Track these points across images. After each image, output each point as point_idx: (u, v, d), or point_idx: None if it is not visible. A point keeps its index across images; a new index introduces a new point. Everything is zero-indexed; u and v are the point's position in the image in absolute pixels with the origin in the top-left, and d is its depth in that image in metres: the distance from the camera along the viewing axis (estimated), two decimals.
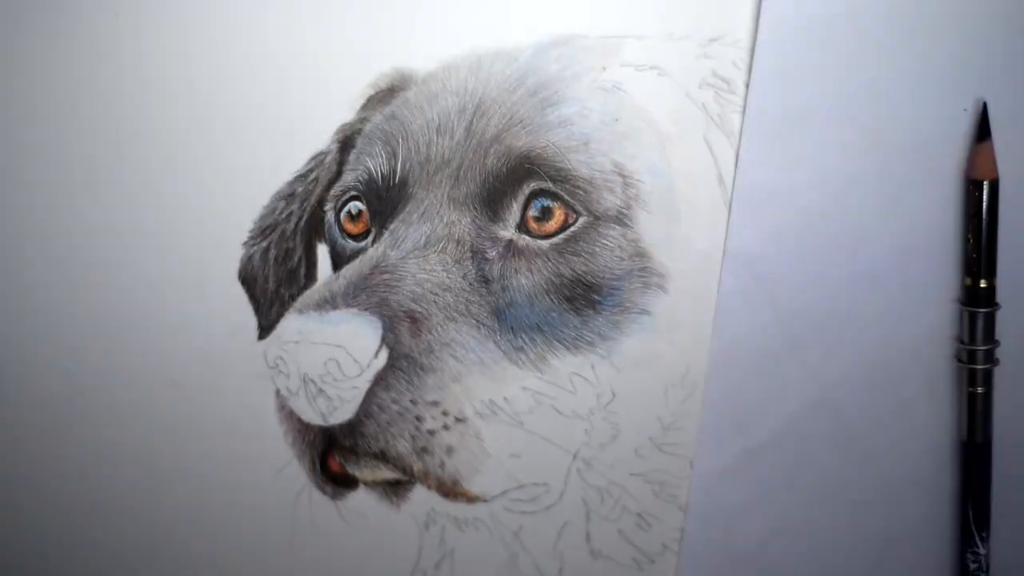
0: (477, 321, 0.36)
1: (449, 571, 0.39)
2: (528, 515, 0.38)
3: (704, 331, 0.37)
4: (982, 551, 0.36)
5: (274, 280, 0.40)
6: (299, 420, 0.37)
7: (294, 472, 0.39)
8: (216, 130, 0.39)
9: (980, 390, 0.35)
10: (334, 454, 0.37)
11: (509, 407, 0.36)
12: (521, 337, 0.36)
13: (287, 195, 0.40)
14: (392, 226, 0.37)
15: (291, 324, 0.37)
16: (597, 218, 0.36)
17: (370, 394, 0.35)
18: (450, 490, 0.37)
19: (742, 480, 0.37)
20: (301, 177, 0.40)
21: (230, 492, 0.41)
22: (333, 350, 0.35)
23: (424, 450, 0.36)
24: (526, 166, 0.36)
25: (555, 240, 0.36)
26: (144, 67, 0.40)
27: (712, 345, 0.37)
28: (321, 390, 0.36)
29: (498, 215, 0.36)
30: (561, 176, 0.36)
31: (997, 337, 0.35)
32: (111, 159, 0.40)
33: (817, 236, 0.36)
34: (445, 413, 0.36)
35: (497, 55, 0.38)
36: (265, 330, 0.40)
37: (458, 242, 0.36)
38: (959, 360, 0.36)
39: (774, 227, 0.36)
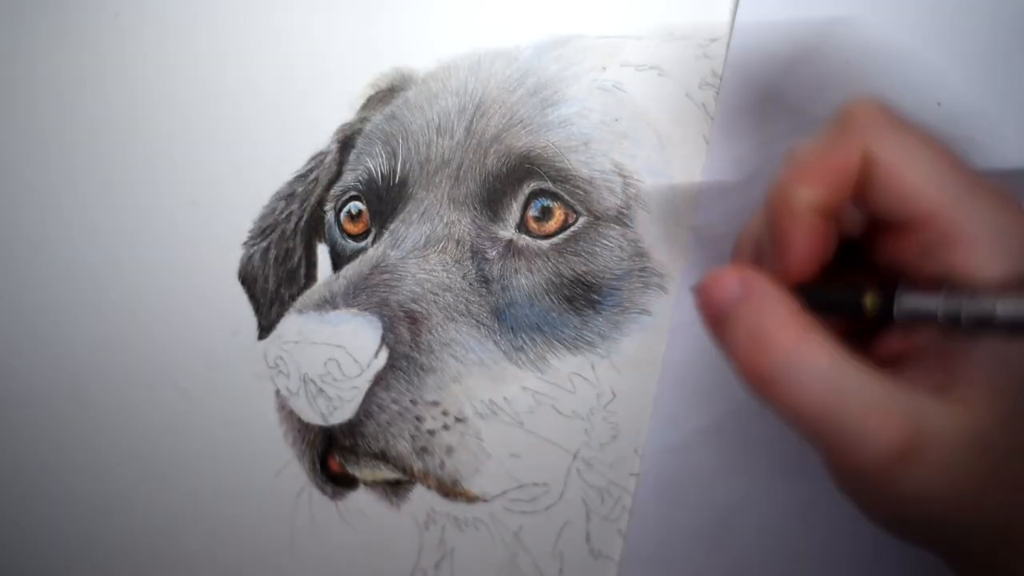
0: (477, 321, 0.36)
1: (449, 571, 0.39)
2: (528, 515, 0.38)
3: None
4: None
5: (274, 280, 0.40)
6: (299, 420, 0.37)
7: (294, 472, 0.39)
8: (216, 130, 0.40)
9: None
10: (334, 454, 0.37)
11: (509, 407, 0.36)
12: (521, 337, 0.36)
13: (287, 195, 0.40)
14: (392, 226, 0.37)
15: (291, 324, 0.37)
16: (597, 218, 0.36)
17: (370, 394, 0.35)
18: (450, 490, 0.37)
19: (694, 457, 0.37)
20: (301, 177, 0.40)
21: (230, 492, 0.41)
22: (333, 350, 0.35)
23: (424, 450, 0.36)
24: (526, 166, 0.36)
25: (555, 240, 0.36)
26: (144, 68, 0.40)
27: (672, 320, 0.36)
28: (321, 390, 0.36)
29: (498, 215, 0.36)
30: (561, 176, 0.36)
31: None
32: (111, 159, 0.40)
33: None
34: (445, 413, 0.36)
35: (497, 55, 0.38)
36: (265, 330, 0.40)
37: (458, 242, 0.36)
38: None
39: (739, 209, 0.36)
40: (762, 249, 0.26)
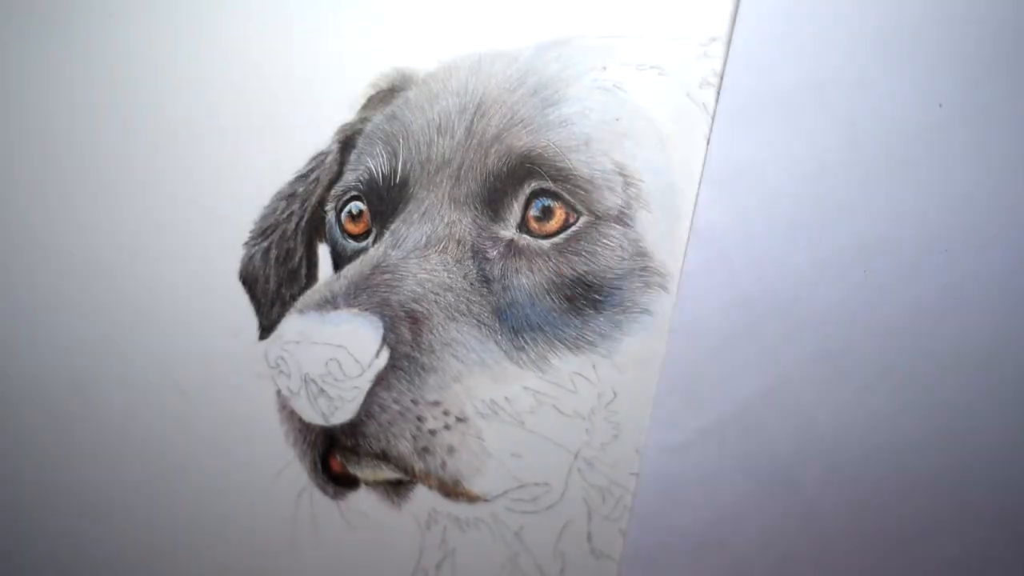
0: (478, 321, 0.36)
1: (450, 571, 0.39)
2: (529, 515, 0.38)
3: None
4: None
5: (275, 280, 0.40)
6: (300, 420, 0.37)
7: (295, 472, 0.39)
8: (217, 131, 0.40)
9: None
10: (335, 454, 0.37)
11: (510, 407, 0.36)
12: (522, 337, 0.36)
13: (288, 195, 0.40)
14: (393, 226, 0.37)
15: (292, 324, 0.37)
16: (598, 217, 0.36)
17: (371, 394, 0.35)
18: (451, 490, 0.37)
19: (694, 457, 0.37)
20: (302, 177, 0.40)
21: (232, 492, 0.41)
22: (334, 350, 0.35)
23: (425, 450, 0.36)
24: (527, 166, 0.36)
25: (556, 240, 0.36)
26: (145, 68, 0.40)
27: (673, 320, 0.37)
28: (322, 390, 0.36)
29: (499, 215, 0.36)
30: (562, 175, 0.36)
31: None
32: (112, 160, 0.40)
33: (784, 218, 0.36)
34: (446, 413, 0.36)
35: (497, 55, 0.38)
36: (266, 330, 0.40)
37: (459, 242, 0.36)
38: None
39: (742, 206, 0.36)
40: None
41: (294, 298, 0.40)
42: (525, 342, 0.36)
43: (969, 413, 0.36)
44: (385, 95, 0.39)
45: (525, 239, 0.36)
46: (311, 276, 0.40)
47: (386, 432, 0.35)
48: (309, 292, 0.39)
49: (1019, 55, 0.35)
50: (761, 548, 0.37)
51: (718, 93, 0.36)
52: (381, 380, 0.35)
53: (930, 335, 0.35)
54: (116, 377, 0.41)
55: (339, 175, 0.40)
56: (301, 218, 0.40)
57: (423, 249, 0.36)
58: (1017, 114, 0.35)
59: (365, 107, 0.39)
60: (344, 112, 0.39)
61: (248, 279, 0.40)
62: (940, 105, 0.35)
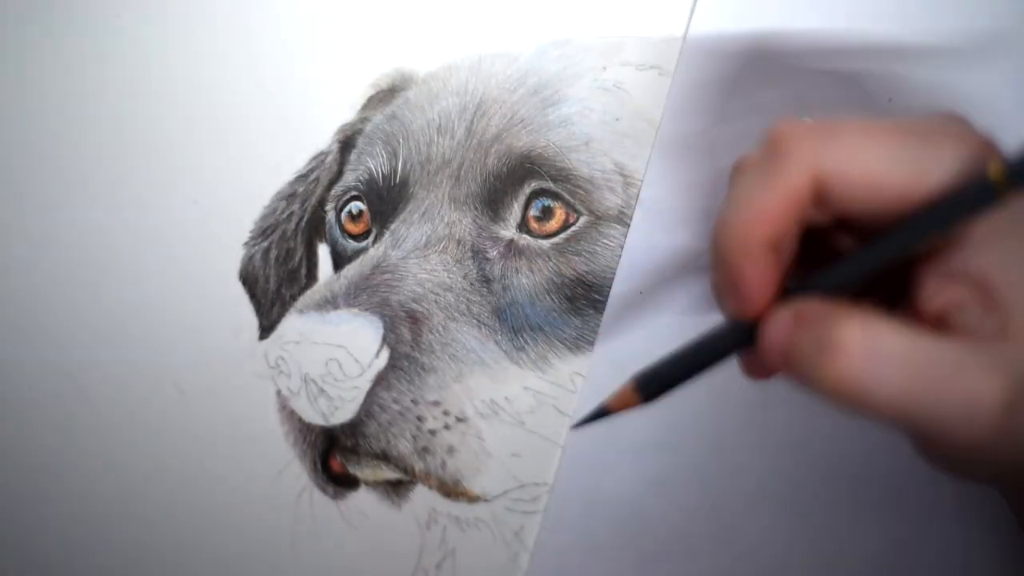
0: (478, 321, 0.36)
1: (451, 571, 0.39)
2: (530, 515, 0.38)
3: None
4: None
5: (275, 280, 0.40)
6: (300, 420, 0.37)
7: (295, 472, 0.39)
8: (217, 130, 0.40)
9: None
10: (335, 454, 0.37)
11: (510, 407, 0.36)
12: (522, 337, 0.36)
13: (288, 195, 0.40)
14: (393, 226, 0.37)
15: (292, 324, 0.37)
16: (598, 217, 0.36)
17: (371, 394, 0.35)
18: (451, 490, 0.37)
19: (619, 432, 0.36)
20: (302, 177, 0.40)
21: (231, 492, 0.41)
22: (334, 350, 0.35)
23: (425, 450, 0.36)
24: (527, 166, 0.36)
25: (556, 240, 0.36)
26: (145, 67, 0.40)
27: (612, 292, 0.36)
28: (322, 390, 0.36)
29: (499, 215, 0.36)
30: (562, 175, 0.36)
31: None
32: (111, 159, 0.40)
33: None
34: (446, 413, 0.36)
35: (498, 55, 0.38)
36: (266, 330, 0.40)
37: (459, 242, 0.36)
38: None
39: (689, 181, 0.36)
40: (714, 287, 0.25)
41: (294, 298, 0.40)
42: (525, 342, 0.36)
43: None
44: (385, 95, 0.39)
45: (525, 239, 0.36)
46: (311, 276, 0.40)
47: (386, 432, 0.36)
48: (309, 292, 0.39)
49: (969, 56, 0.35)
50: (681, 519, 0.36)
51: (675, 67, 0.36)
52: (381, 380, 0.35)
53: None
54: (115, 377, 0.41)
55: (339, 175, 0.40)
56: (301, 218, 0.40)
57: (423, 249, 0.36)
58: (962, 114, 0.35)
59: (365, 107, 0.39)
60: (344, 112, 0.39)
61: (248, 279, 0.40)
62: (890, 100, 0.35)
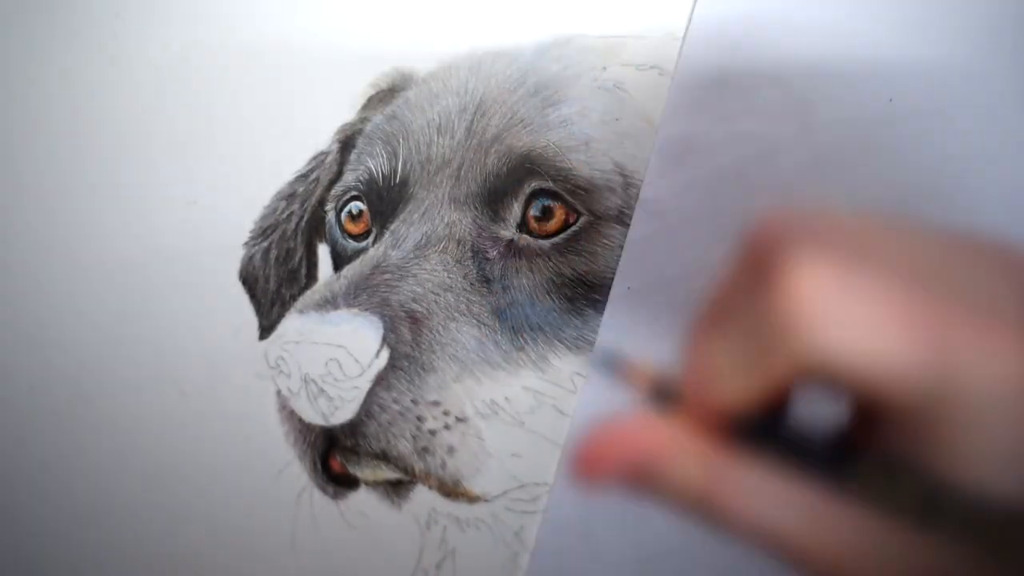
0: (478, 321, 0.36)
1: (451, 571, 0.39)
2: (529, 515, 0.38)
3: None
4: None
5: (275, 280, 0.40)
6: (300, 420, 0.37)
7: (295, 472, 0.39)
8: (217, 130, 0.39)
9: None
10: (335, 454, 0.37)
11: (510, 407, 0.36)
12: (522, 337, 0.36)
13: (288, 195, 0.40)
14: (393, 226, 0.37)
15: (292, 324, 0.37)
16: (598, 217, 0.36)
17: (371, 394, 0.35)
18: (451, 490, 0.37)
19: None
20: (302, 177, 0.40)
21: (231, 492, 0.41)
22: (334, 350, 0.35)
23: (425, 450, 0.36)
24: (527, 166, 0.36)
25: (556, 240, 0.36)
26: (145, 67, 0.40)
27: (612, 292, 0.36)
28: (322, 390, 0.36)
29: (499, 215, 0.36)
30: (562, 175, 0.36)
31: None
32: (112, 159, 0.40)
33: (729, 197, 0.36)
34: (446, 413, 0.36)
35: (498, 55, 0.38)
36: (266, 330, 0.40)
37: (459, 242, 0.36)
38: None
39: (689, 181, 0.36)
40: None
41: (294, 298, 0.40)
42: (525, 342, 0.36)
43: None
44: (385, 95, 0.39)
45: (525, 239, 0.36)
46: (311, 276, 0.40)
47: (386, 432, 0.35)
48: (309, 292, 0.39)
49: (969, 57, 0.35)
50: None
51: (676, 66, 0.36)
52: (381, 380, 0.35)
53: None
54: (116, 377, 0.41)
55: (339, 175, 0.40)
56: (301, 218, 0.40)
57: (423, 249, 0.36)
58: (964, 117, 0.35)
59: (365, 107, 0.39)
60: (344, 112, 0.39)
61: (248, 279, 0.40)
62: (890, 100, 0.35)
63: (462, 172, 0.37)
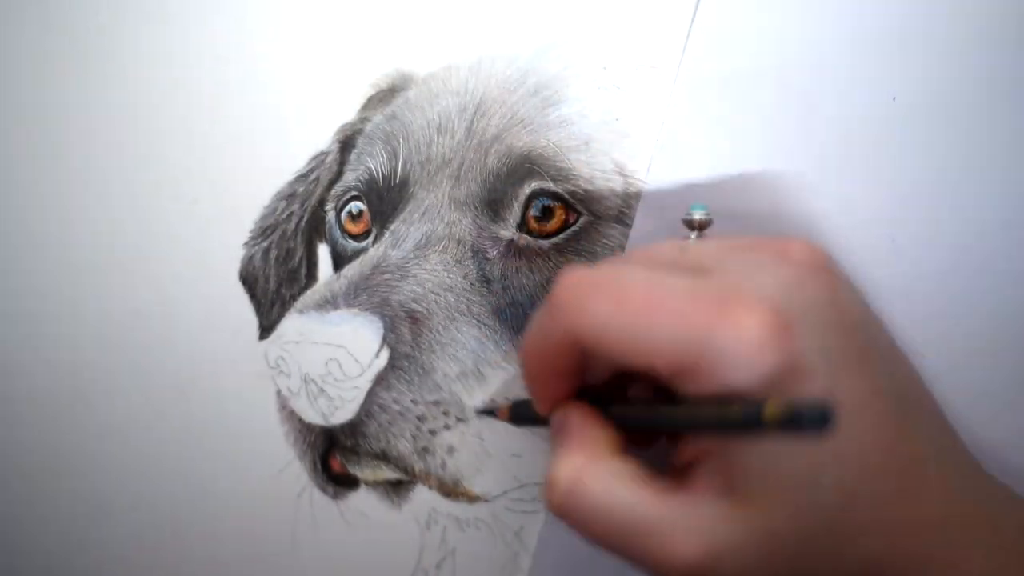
0: (478, 321, 0.36)
1: (451, 571, 0.39)
2: (530, 515, 0.38)
3: None
4: None
5: (275, 280, 0.40)
6: (300, 420, 0.37)
7: (295, 472, 0.39)
8: (217, 130, 0.39)
9: None
10: (335, 454, 0.37)
11: None
12: (522, 337, 0.36)
13: (288, 195, 0.40)
14: (393, 226, 0.37)
15: (292, 324, 0.37)
16: (598, 217, 0.36)
17: (371, 394, 0.35)
18: (451, 490, 0.37)
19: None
20: (302, 177, 0.40)
21: (231, 492, 0.41)
22: (334, 350, 0.35)
23: (425, 450, 0.36)
24: (527, 166, 0.36)
25: (556, 240, 0.36)
26: (144, 67, 0.39)
27: None
28: (322, 390, 0.36)
29: (499, 215, 0.36)
30: (562, 175, 0.36)
31: None
32: (111, 159, 0.40)
33: (730, 197, 0.36)
34: (446, 413, 0.36)
35: (497, 55, 0.38)
36: (266, 330, 0.40)
37: (459, 242, 0.36)
38: None
39: (689, 181, 0.36)
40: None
41: (294, 298, 0.40)
42: None
43: None
44: (385, 95, 0.39)
45: (525, 239, 0.36)
46: (311, 276, 0.40)
47: (386, 432, 0.36)
48: (309, 292, 0.39)
49: (973, 56, 0.35)
50: None
51: (677, 66, 0.36)
52: (381, 380, 0.35)
53: None
54: (114, 377, 0.41)
55: (339, 175, 0.40)
56: (301, 218, 0.40)
57: (423, 249, 0.36)
58: (968, 116, 0.35)
59: (365, 107, 0.39)
60: (344, 112, 0.39)
61: (248, 279, 0.40)
62: (894, 98, 0.35)
63: (462, 172, 0.37)
